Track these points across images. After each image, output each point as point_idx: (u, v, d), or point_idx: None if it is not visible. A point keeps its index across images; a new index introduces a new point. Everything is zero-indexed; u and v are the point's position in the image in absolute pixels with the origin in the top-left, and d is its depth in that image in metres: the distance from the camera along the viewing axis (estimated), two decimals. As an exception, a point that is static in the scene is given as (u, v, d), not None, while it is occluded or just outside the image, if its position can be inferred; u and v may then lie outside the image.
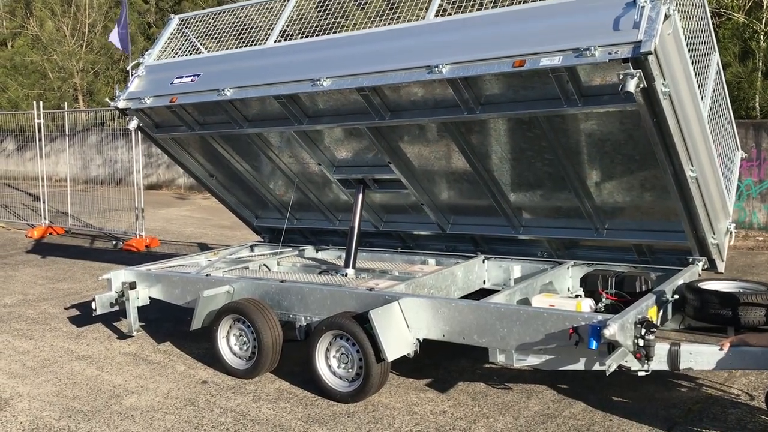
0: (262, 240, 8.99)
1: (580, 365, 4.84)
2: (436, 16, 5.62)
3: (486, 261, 7.04)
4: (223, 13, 7.37)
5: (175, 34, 7.73)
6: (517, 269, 6.87)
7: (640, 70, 4.54)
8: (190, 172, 8.35)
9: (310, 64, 6.14)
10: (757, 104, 14.21)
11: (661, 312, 5.23)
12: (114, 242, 13.67)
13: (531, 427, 5.00)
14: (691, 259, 6.14)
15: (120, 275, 7.27)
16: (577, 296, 5.63)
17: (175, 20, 7.78)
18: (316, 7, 6.60)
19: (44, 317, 8.32)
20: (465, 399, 5.54)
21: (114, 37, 13.67)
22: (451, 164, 6.43)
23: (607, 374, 4.51)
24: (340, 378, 5.57)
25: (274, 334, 5.96)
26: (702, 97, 5.55)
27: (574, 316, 4.75)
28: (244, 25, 7.12)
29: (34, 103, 15.77)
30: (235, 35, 7.11)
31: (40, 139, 15.57)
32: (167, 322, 7.94)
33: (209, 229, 15.59)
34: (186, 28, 7.70)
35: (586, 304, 5.45)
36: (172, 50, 7.66)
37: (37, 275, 10.88)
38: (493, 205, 6.65)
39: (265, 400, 5.65)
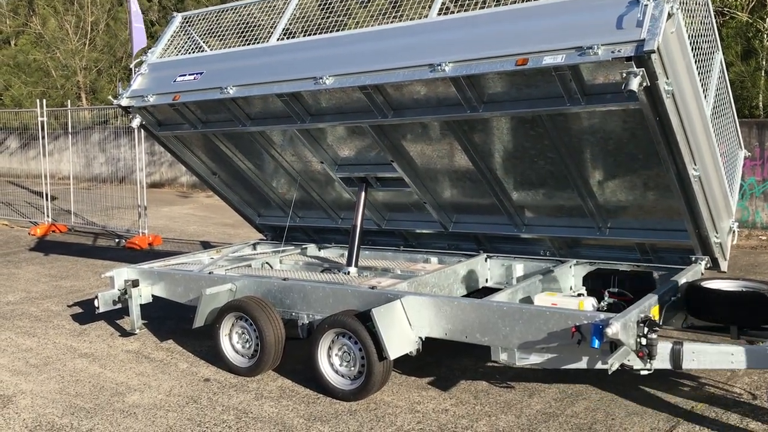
0: (265, 238, 8.99)
1: (582, 364, 4.84)
2: (439, 14, 5.62)
3: (488, 259, 7.04)
4: (226, 11, 7.37)
5: (178, 32, 7.73)
6: (519, 268, 6.87)
7: (643, 69, 4.53)
8: (192, 170, 8.35)
9: (313, 62, 6.14)
10: (760, 103, 14.19)
11: (664, 311, 5.22)
12: (117, 240, 13.69)
13: (533, 425, 5.00)
14: (693, 258, 6.12)
15: (123, 273, 7.28)
16: (579, 295, 5.62)
17: (177, 18, 7.78)
18: (319, 5, 6.60)
19: (47, 315, 8.34)
20: (467, 397, 5.54)
21: (138, 36, 13.44)
22: (453, 163, 6.43)
23: (610, 373, 4.51)
24: (343, 376, 5.58)
25: (277, 332, 5.96)
26: (705, 96, 5.53)
27: (576, 314, 4.75)
28: (247, 23, 7.12)
29: (37, 101, 15.78)
30: (238, 33, 7.11)
31: (43, 137, 15.58)
32: (170, 319, 7.94)
33: (212, 228, 15.60)
34: (189, 26, 7.70)
35: (589, 303, 5.44)
36: (175, 48, 7.66)
37: (40, 273, 10.90)
38: (496, 203, 6.64)
39: (267, 397, 5.65)
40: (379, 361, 5.29)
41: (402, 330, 5.36)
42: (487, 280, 7.04)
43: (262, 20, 7.01)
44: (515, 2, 5.30)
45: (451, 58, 5.32)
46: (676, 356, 4.78)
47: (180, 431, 5.07)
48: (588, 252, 6.70)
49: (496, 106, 5.51)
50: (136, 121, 7.56)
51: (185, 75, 7.08)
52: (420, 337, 5.44)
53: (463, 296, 6.48)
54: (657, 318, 5.06)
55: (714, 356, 4.75)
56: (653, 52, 4.45)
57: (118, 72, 29.67)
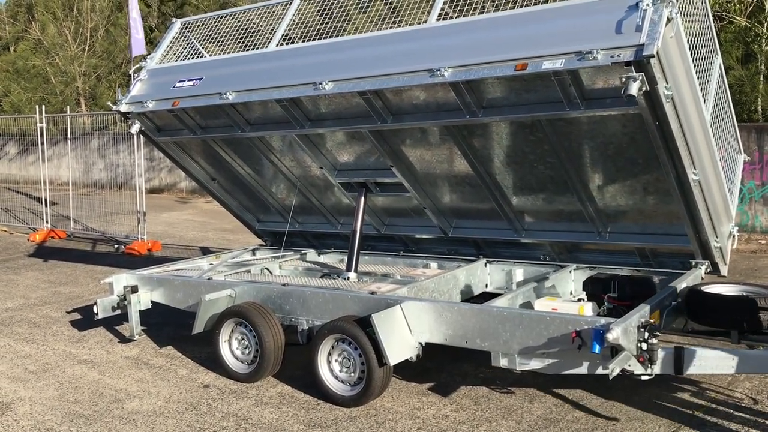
0: (264, 244, 8.98)
1: (583, 369, 4.82)
2: (438, 19, 5.62)
3: (488, 264, 7.03)
4: (225, 17, 7.38)
5: (177, 38, 7.73)
6: (519, 273, 6.86)
7: (642, 74, 4.53)
8: (192, 175, 8.35)
9: (313, 68, 6.14)
10: (759, 107, 14.19)
11: (664, 315, 5.21)
12: (116, 246, 13.67)
13: (534, 431, 4.98)
14: (693, 263, 6.11)
15: (122, 279, 7.26)
16: (579, 300, 5.61)
17: (177, 24, 7.78)
18: (318, 11, 6.60)
19: (46, 321, 8.32)
20: (467, 403, 5.52)
21: (137, 46, 13.48)
22: (453, 168, 6.43)
23: (611, 378, 4.50)
24: (342, 382, 5.56)
25: (276, 337, 5.95)
26: (704, 100, 5.54)
27: (576, 319, 4.74)
28: (246, 29, 7.12)
29: (36, 107, 15.79)
30: (237, 39, 7.12)
31: (42, 143, 15.58)
32: (169, 326, 7.92)
33: (211, 233, 15.58)
34: (188, 32, 7.70)
35: (589, 308, 5.43)
36: (175, 54, 7.67)
37: (39, 279, 10.88)
38: (496, 208, 6.64)
39: (267, 404, 5.63)
40: (379, 366, 5.28)
41: (402, 335, 5.34)
42: (487, 285, 7.02)
43: (262, 26, 7.01)
44: (514, 7, 5.31)
45: (451, 63, 5.31)
46: (677, 361, 4.76)
47: (179, 438, 5.06)
48: (588, 257, 6.69)
49: (495, 111, 5.51)
50: (135, 127, 7.56)
51: (184, 81, 7.08)
52: (420, 343, 5.43)
53: (463, 301, 6.46)
54: (657, 323, 5.05)
55: (715, 361, 4.74)
56: (652, 56, 4.45)
57: (118, 78, 29.70)
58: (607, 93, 4.96)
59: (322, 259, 8.23)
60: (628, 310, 5.02)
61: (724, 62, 6.41)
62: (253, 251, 8.75)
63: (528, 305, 5.71)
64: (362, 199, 7.06)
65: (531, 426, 5.06)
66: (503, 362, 5.05)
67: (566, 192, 6.12)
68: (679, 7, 4.71)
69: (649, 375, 4.69)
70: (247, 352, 6.13)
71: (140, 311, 7.19)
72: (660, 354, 4.71)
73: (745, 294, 5.40)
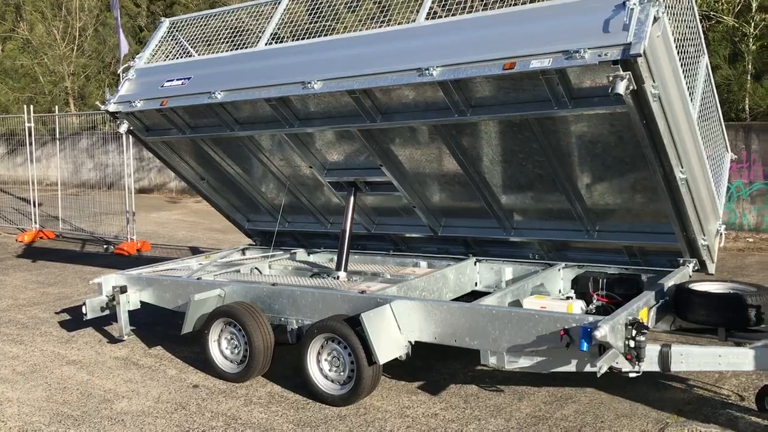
0: (254, 243, 8.97)
1: (571, 367, 4.84)
2: (427, 18, 5.63)
3: (477, 263, 7.05)
4: (214, 16, 7.36)
5: (166, 38, 7.71)
6: (508, 271, 6.87)
7: (629, 72, 4.56)
8: (181, 175, 8.33)
9: (301, 67, 6.14)
10: (746, 106, 14.27)
11: (652, 313, 5.23)
12: (105, 246, 13.62)
13: (522, 429, 5.00)
14: (681, 261, 6.15)
15: (111, 279, 7.24)
16: (567, 298, 5.63)
17: (165, 23, 7.76)
18: (307, 10, 6.60)
19: (34, 322, 8.28)
20: (457, 401, 5.53)
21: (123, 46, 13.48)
22: (442, 167, 6.44)
23: (599, 375, 4.52)
24: (332, 381, 5.56)
25: (265, 337, 5.94)
26: (692, 99, 5.57)
27: (565, 317, 4.76)
28: (235, 28, 7.11)
29: (24, 107, 15.71)
30: (226, 38, 7.11)
31: (30, 143, 15.51)
32: (159, 326, 7.90)
33: (201, 233, 15.54)
34: (177, 31, 7.68)
35: (577, 306, 5.46)
36: (163, 54, 7.64)
37: (27, 280, 10.83)
38: (485, 207, 6.65)
39: (256, 403, 5.63)
40: (368, 365, 5.28)
41: (391, 334, 5.35)
42: (476, 284, 7.04)
43: (251, 25, 7.00)
44: (502, 6, 5.32)
45: (439, 62, 5.33)
46: (664, 358, 4.80)
47: (168, 438, 5.05)
48: (577, 255, 6.72)
49: (484, 110, 5.52)
50: (124, 127, 7.53)
51: (173, 80, 7.06)
52: (409, 341, 5.44)
53: (452, 300, 6.47)
54: (645, 320, 5.07)
55: (701, 358, 4.77)
56: (639, 55, 4.47)
57: (107, 78, 29.55)
58: (595, 92, 4.98)
59: (312, 258, 8.23)
60: (617, 308, 5.05)
61: (711, 62, 6.47)
62: (243, 251, 8.74)
63: (517, 303, 5.73)
64: (352, 198, 7.07)
65: (520, 424, 5.08)
66: (492, 360, 5.06)
67: (555, 190, 6.14)
68: (665, 7, 4.74)
69: (636, 372, 4.71)
70: (236, 351, 6.12)
71: (130, 311, 7.17)
72: (647, 352, 4.73)
73: (731, 291, 5.44)
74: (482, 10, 5.45)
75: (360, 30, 6.04)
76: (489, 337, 5.03)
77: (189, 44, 7.55)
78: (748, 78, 14.13)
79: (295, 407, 5.52)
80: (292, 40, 6.44)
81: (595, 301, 5.69)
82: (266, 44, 6.59)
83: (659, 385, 5.69)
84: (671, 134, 5.11)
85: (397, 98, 5.82)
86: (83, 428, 5.23)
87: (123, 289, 7.05)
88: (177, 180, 23.23)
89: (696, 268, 6.20)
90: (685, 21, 5.47)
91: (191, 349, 6.98)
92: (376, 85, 5.64)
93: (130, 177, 13.45)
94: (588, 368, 4.74)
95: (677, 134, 5.20)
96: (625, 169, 5.66)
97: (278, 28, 6.65)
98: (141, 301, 7.17)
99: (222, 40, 7.15)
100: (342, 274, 6.88)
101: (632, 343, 4.60)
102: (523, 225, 6.77)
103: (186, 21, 7.62)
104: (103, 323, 7.98)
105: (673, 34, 5.05)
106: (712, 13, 14.48)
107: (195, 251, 12.70)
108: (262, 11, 6.85)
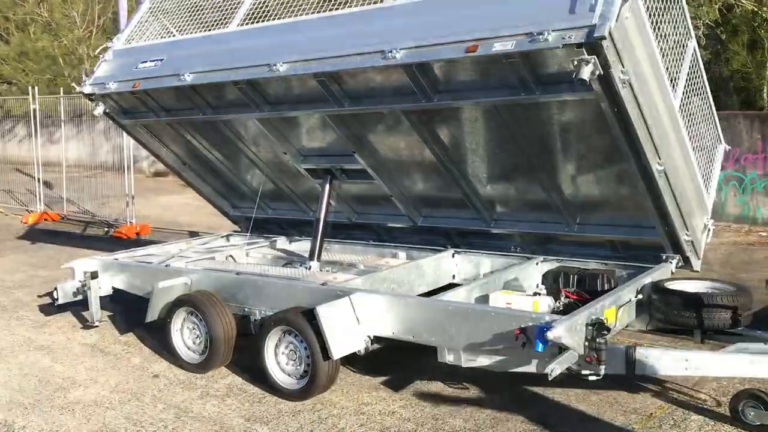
0: (240, 230, 8.81)
1: (531, 367, 4.58)
2: (395, -1, 5.38)
3: (456, 255, 6.79)
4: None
5: (146, 17, 7.51)
6: (486, 264, 6.62)
7: (594, 56, 4.27)
8: (162, 160, 8.18)
9: (269, 49, 5.91)
10: (765, 95, 13.76)
11: (621, 312, 4.95)
12: (106, 229, 13.58)
13: (480, 430, 4.76)
14: (664, 257, 5.85)
15: (84, 264, 7.12)
16: (535, 294, 5.35)
17: (146, 2, 7.57)
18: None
19: (15, 305, 8.21)
20: (418, 399, 5.32)
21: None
22: (416, 155, 6.19)
23: (550, 379, 4.26)
24: (289, 375, 5.37)
25: (226, 327, 5.77)
26: (673, 87, 5.26)
27: (521, 316, 4.51)
28: (217, 6, 6.87)
29: (30, 88, 15.72)
30: (207, 18, 6.87)
31: (35, 124, 15.54)
32: (134, 312, 7.67)
33: (204, 218, 15.38)
34: (159, 11, 7.48)
35: (545, 303, 5.20)
36: (144, 35, 7.45)
37: (20, 262, 10.80)
38: (462, 197, 6.40)
39: (213, 396, 5.47)
40: (323, 360, 5.08)
41: (348, 328, 5.13)
42: (454, 276, 6.79)
43: (227, 5, 6.76)
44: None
45: (403, 44, 5.08)
46: (629, 361, 4.52)
47: (114, 430, 4.90)
48: (559, 248, 6.44)
49: (450, 95, 5.27)
50: (99, 109, 7.39)
51: (146, 61, 6.89)
52: (369, 336, 5.22)
53: (424, 293, 6.24)
54: (613, 320, 4.80)
55: (668, 362, 4.49)
56: (603, 38, 4.19)
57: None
58: (563, 77, 4.69)
59: (293, 246, 8.04)
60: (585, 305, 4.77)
61: (730, 47, 6.10)
62: (227, 237, 8.58)
63: (485, 299, 5.48)
64: (327, 186, 6.86)
65: (478, 425, 4.85)
66: (449, 358, 4.83)
67: (531, 181, 5.88)
68: (638, -14, 4.44)
69: (597, 375, 4.44)
70: (198, 342, 5.96)
71: (109, 296, 7.04)
72: (611, 353, 4.46)
73: (709, 290, 5.15)
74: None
75: (328, 11, 5.78)
76: (446, 333, 4.80)
77: (172, 24, 7.35)
78: (767, 65, 13.60)
79: (251, 401, 5.35)
80: (264, 21, 6.21)
81: (563, 298, 5.41)
82: (238, 25, 6.38)
83: (634, 386, 5.40)
84: (646, 124, 4.82)
85: (364, 82, 5.58)
86: (31, 417, 5.11)
87: (94, 275, 6.92)
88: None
89: (680, 264, 5.90)
90: (667, 2, 5.13)
91: (161, 338, 6.80)
92: (341, 68, 5.41)
93: (130, 159, 13.37)
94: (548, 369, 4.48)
95: (654, 123, 4.90)
96: (601, 159, 5.38)
97: (252, 8, 6.41)
98: (114, 287, 7.04)
99: (203, 20, 6.93)
100: (314, 263, 6.68)
101: (592, 345, 4.34)
102: (504, 216, 6.51)
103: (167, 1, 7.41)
104: (82, 308, 7.86)
105: (650, 16, 4.74)
106: (732, -1, 13.94)
107: (194, 236, 12.57)
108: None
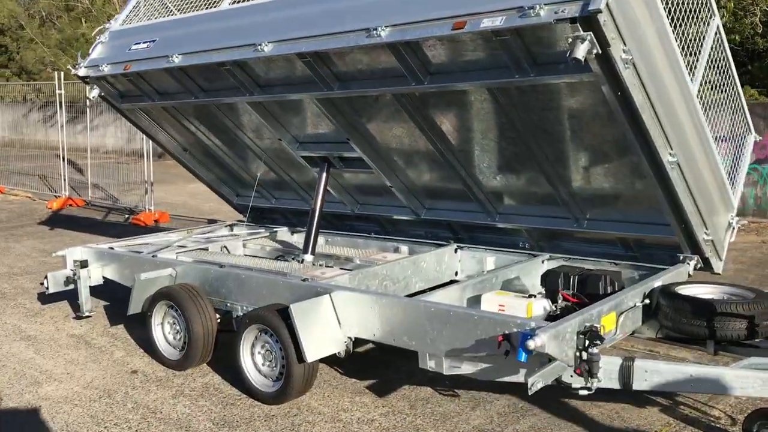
0: (245, 219, 8.50)
1: (519, 377, 4.15)
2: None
3: (458, 250, 6.36)
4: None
5: (146, -2, 7.23)
6: (490, 261, 6.18)
7: (590, 33, 3.80)
8: (162, 146, 7.92)
9: (256, 28, 5.56)
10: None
11: (623, 318, 4.47)
12: (126, 216, 13.47)
13: (462, 445, 4.36)
14: (681, 258, 5.33)
15: (75, 252, 6.89)
16: (531, 296, 4.89)
17: (146, -18, 7.28)
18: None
19: (15, 292, 8.06)
20: (402, 406, 4.92)
21: None
22: (412, 142, 5.78)
23: (530, 393, 3.82)
24: (265, 376, 5.03)
25: (206, 323, 5.46)
26: (691, 70, 4.73)
27: (505, 321, 4.07)
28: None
29: (55, 74, 15.70)
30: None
31: (60, 109, 15.54)
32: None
33: (227, 206, 15.21)
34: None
35: (540, 306, 4.75)
36: (144, 15, 7.17)
37: (34, 248, 10.70)
38: (464, 189, 5.96)
39: (186, 395, 5.16)
40: (298, 363, 4.72)
41: (326, 329, 4.76)
42: (456, 273, 6.36)
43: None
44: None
45: (388, 21, 4.65)
46: (625, 374, 4.04)
47: (76, 430, 4.62)
48: (570, 246, 5.96)
49: (442, 77, 4.84)
50: (94, 92, 7.15)
51: (140, 43, 6.60)
52: (349, 337, 4.84)
53: (422, 291, 5.82)
54: (611, 328, 4.33)
55: (670, 376, 4.00)
56: (599, 11, 3.71)
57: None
58: (559, 57, 4.21)
59: (294, 238, 7.70)
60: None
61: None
62: (231, 227, 8.29)
63: (478, 299, 5.04)
64: (324, 174, 6.49)
65: (461, 438, 4.45)
66: (431, 364, 4.42)
67: (534, 172, 5.41)
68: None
69: (588, 390, 3.99)
70: (178, 338, 5.66)
71: (102, 286, 6.82)
72: (606, 365, 4.00)
73: (725, 297, 4.63)
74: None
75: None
76: (427, 337, 4.39)
77: (172, 2, 7.05)
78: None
79: (224, 403, 5.02)
80: (254, -1, 5.86)
81: (560, 300, 4.93)
82: (230, 3, 6.04)
83: (640, 399, 4.91)
84: (654, 110, 4.31)
85: (352, 63, 5.18)
86: (-5, 413, 4.88)
87: (83, 264, 6.69)
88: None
89: (699, 266, 5.38)
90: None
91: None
92: (325, 47, 5.02)
93: (149, 143, 13.20)
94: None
95: (665, 111, 4.40)
96: (608, 149, 4.88)
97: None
98: (104, 277, 6.80)
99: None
100: (308, 257, 6.31)
101: (584, 355, 3.89)
102: (509, 210, 6.05)
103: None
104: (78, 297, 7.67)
105: (659, -12, 4.24)
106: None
107: (211, 223, 12.35)
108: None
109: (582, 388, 3.99)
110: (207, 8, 6.30)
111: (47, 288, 6.77)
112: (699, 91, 4.84)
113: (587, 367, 3.89)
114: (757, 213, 11.93)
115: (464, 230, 6.52)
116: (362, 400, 5.02)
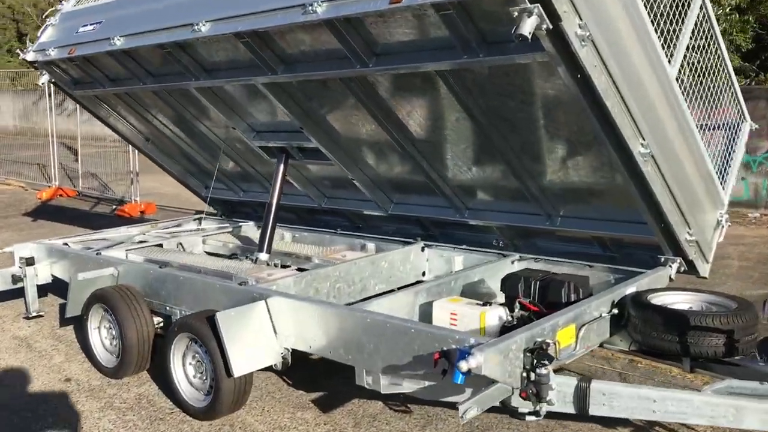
0: (216, 212, 8.07)
1: (465, 396, 3.65)
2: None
3: (426, 249, 5.87)
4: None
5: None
6: (459, 260, 5.68)
7: (538, 5, 3.27)
8: (122, 135, 7.49)
9: (198, 7, 5.07)
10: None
11: (584, 330, 3.95)
12: (114, 207, 13.11)
13: (401, 472, 3.89)
14: (662, 260, 4.81)
15: (24, 249, 6.49)
16: (486, 304, 4.37)
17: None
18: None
19: (-28, 289, 7.68)
20: (346, 423, 4.46)
21: None
22: (369, 132, 5.29)
23: (462, 423, 3.34)
24: (197, 389, 4.59)
25: (141, 329, 5.02)
26: (669, 52, 4.18)
27: (444, 335, 3.58)
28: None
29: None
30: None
31: (49, 95, 15.25)
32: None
33: (220, 196, 14.81)
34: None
35: (495, 315, 4.24)
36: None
37: (10, 240, 10.24)
38: (429, 183, 5.47)
39: (115, 408, 4.73)
40: (228, 376, 4.26)
41: (260, 339, 4.30)
42: (424, 274, 5.87)
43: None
44: None
45: (325, -4, 4.15)
46: (581, 398, 3.54)
47: (-18, 449, 4.23)
48: (545, 245, 5.46)
49: (388, 59, 4.33)
50: (44, 78, 6.74)
51: (87, 25, 6.15)
52: (286, 348, 4.37)
53: (380, 294, 5.34)
54: (570, 342, 3.83)
55: (631, 402, 3.48)
56: (546, -20, 3.18)
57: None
58: (510, 35, 3.67)
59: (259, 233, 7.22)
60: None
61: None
62: (199, 221, 7.86)
63: (430, 306, 4.55)
64: (282, 166, 6.03)
65: (402, 464, 3.97)
66: (368, 381, 3.95)
67: (499, 164, 4.91)
68: None
69: (536, 415, 3.49)
70: (114, 343, 5.24)
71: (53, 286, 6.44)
72: (558, 387, 3.50)
73: (703, 306, 4.10)
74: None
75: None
76: (363, 351, 3.92)
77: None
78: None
79: (152, 418, 4.58)
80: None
81: (517, 309, 4.40)
82: (177, -20, 5.55)
83: (609, 421, 4.40)
84: (621, 95, 3.79)
85: (294, 44, 4.69)
86: None
87: (30, 261, 6.29)
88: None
89: (682, 269, 4.85)
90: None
91: (96, 333, 6.15)
92: (262, 25, 4.53)
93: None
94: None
95: (633, 95, 3.87)
96: (576, 140, 4.37)
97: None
98: (53, 276, 6.40)
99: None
100: (263, 256, 5.85)
101: (532, 376, 3.40)
102: (478, 206, 5.56)
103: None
104: (41, 294, 7.26)
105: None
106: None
107: (198, 214, 11.94)
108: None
109: (530, 413, 3.49)
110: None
111: (-5, 286, 6.38)
112: (679, 75, 4.30)
113: (534, 390, 3.39)
114: (770, 205, 11.31)
115: (435, 227, 6.04)
116: (303, 416, 4.56)
